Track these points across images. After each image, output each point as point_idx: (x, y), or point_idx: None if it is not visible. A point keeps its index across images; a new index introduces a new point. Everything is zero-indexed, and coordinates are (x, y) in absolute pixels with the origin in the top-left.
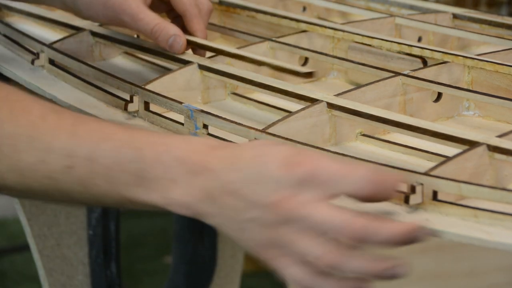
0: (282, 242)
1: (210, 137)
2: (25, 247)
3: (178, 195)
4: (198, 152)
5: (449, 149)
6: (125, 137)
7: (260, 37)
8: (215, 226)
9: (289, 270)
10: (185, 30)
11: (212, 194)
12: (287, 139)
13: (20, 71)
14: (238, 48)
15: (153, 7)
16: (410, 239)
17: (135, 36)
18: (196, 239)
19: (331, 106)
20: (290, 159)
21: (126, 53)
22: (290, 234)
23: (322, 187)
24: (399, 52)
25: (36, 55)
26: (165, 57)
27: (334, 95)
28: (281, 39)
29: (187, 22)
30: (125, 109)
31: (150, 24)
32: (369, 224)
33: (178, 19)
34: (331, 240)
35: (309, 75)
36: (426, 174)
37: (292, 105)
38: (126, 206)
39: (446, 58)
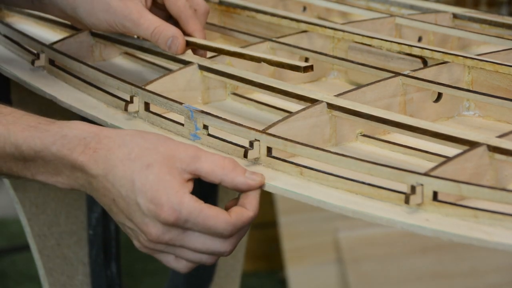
0: (162, 247)
1: (85, 125)
2: (25, 247)
3: (61, 182)
4: (74, 152)
5: (449, 150)
6: (1, 131)
7: (260, 37)
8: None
9: (173, 264)
10: (184, 33)
11: (93, 187)
12: (287, 139)
13: (20, 71)
14: (238, 48)
15: (152, 13)
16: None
17: (135, 37)
18: None
19: (331, 106)
20: (155, 197)
21: (126, 53)
22: (168, 245)
23: (184, 230)
24: (399, 52)
25: (36, 56)
26: (165, 57)
27: (334, 96)
28: (281, 39)
29: (183, 24)
30: (125, 109)
31: (150, 28)
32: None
33: (177, 25)
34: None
35: (308, 69)
36: (426, 174)
37: (292, 105)
38: (18, 179)
39: (446, 58)
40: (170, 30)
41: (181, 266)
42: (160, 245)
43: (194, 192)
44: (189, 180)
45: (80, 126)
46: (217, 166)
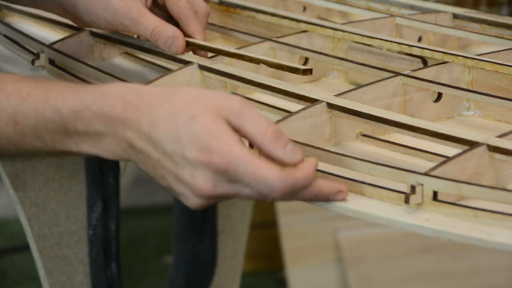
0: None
1: (124, 83)
2: (25, 247)
3: (104, 145)
4: (115, 109)
5: (449, 149)
6: (41, 97)
7: (260, 37)
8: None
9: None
10: (185, 34)
11: (135, 149)
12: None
13: (20, 71)
14: (238, 48)
15: (153, 13)
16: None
17: (135, 36)
18: (196, 239)
19: (331, 106)
20: (205, 146)
21: (126, 53)
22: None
23: (234, 181)
24: (399, 52)
25: (36, 55)
26: (165, 57)
27: (334, 95)
28: (281, 39)
29: (184, 25)
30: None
31: (150, 27)
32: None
33: (178, 26)
34: None
35: (307, 72)
36: (426, 174)
37: (292, 105)
38: (63, 155)
39: (446, 58)
40: (170, 30)
41: None
42: (214, 199)
43: None
44: (235, 130)
45: (119, 84)
46: (259, 132)
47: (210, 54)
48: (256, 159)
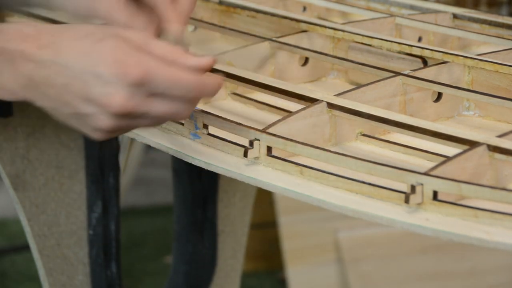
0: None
1: (23, 23)
2: (25, 247)
3: (2, 83)
4: (13, 41)
5: (449, 149)
6: None
7: (260, 37)
8: (43, 108)
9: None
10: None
11: (35, 82)
12: (287, 139)
13: None
14: (238, 48)
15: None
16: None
17: None
18: (196, 239)
19: (331, 106)
20: (119, 59)
21: None
22: (130, 124)
23: (153, 91)
24: (399, 52)
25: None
26: None
27: (334, 95)
28: (281, 39)
29: (159, 12)
30: None
31: (122, 19)
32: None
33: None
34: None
35: None
36: (426, 174)
37: (292, 105)
38: None
39: (446, 58)
40: (141, 22)
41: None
42: (124, 120)
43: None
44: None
45: (18, 21)
46: (167, 50)
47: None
48: (172, 67)
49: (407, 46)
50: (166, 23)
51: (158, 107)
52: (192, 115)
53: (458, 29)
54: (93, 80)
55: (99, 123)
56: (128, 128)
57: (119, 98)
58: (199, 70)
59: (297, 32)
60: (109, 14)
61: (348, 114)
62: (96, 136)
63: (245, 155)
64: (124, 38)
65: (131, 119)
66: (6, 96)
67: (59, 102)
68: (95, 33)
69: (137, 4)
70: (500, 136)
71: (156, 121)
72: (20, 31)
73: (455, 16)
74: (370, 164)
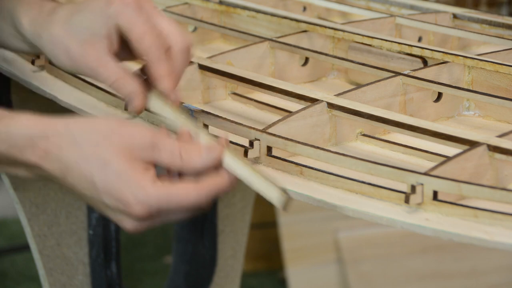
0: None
1: (30, 119)
2: (25, 247)
3: (22, 175)
4: (23, 152)
5: (449, 149)
6: None
7: (260, 37)
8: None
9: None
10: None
11: (53, 180)
12: (287, 139)
13: (20, 71)
14: (238, 48)
15: (123, 52)
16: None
17: None
18: (196, 239)
19: (331, 106)
20: (121, 195)
21: None
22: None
23: (160, 216)
24: (399, 52)
25: (36, 55)
26: None
27: (335, 95)
28: (281, 39)
29: (150, 68)
30: (125, 109)
31: (109, 79)
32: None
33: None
34: None
35: None
36: (426, 174)
37: (292, 105)
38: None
39: (446, 58)
40: (128, 86)
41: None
42: (146, 224)
43: None
44: (148, 166)
45: (25, 122)
46: (175, 157)
47: (210, 53)
48: (173, 189)
49: (407, 46)
50: (157, 79)
51: (176, 216)
52: (192, 115)
53: (458, 29)
54: (103, 206)
55: (123, 226)
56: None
57: (129, 225)
58: (211, 164)
59: (297, 32)
60: (97, 68)
61: (348, 114)
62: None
63: (245, 155)
64: (131, 149)
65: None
66: (29, 178)
67: (81, 195)
68: (100, 150)
69: (129, 57)
70: (500, 136)
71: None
72: (30, 142)
73: (455, 16)
74: (370, 164)
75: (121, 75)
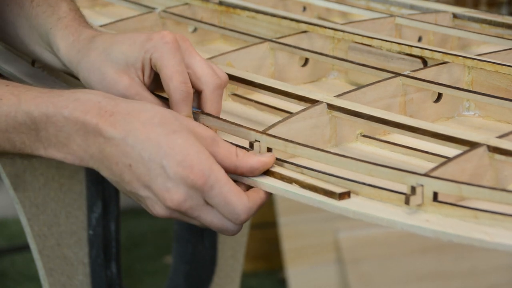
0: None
1: (100, 91)
2: (25, 247)
3: (73, 150)
4: (88, 114)
5: (450, 150)
6: (13, 102)
7: (260, 38)
8: (107, 178)
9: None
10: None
11: (104, 155)
12: (287, 140)
13: (20, 72)
14: (238, 49)
15: (154, 84)
16: None
17: None
18: (196, 239)
19: (331, 107)
20: (186, 161)
21: None
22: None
23: (206, 197)
24: (399, 53)
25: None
26: None
27: (335, 96)
28: (281, 40)
29: (172, 107)
30: None
31: None
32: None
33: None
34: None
35: (345, 195)
36: (426, 175)
37: (292, 106)
38: (30, 158)
39: (446, 58)
40: None
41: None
42: (176, 213)
43: None
44: None
45: (95, 91)
46: (232, 153)
47: (209, 54)
48: (232, 183)
49: (407, 47)
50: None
51: (209, 216)
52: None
53: (458, 29)
54: (158, 170)
55: (154, 209)
56: (180, 219)
57: (176, 196)
58: (261, 169)
59: (297, 33)
60: (129, 97)
61: (348, 115)
62: (154, 215)
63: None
64: (195, 134)
65: (183, 215)
66: (75, 162)
67: (120, 179)
68: (169, 123)
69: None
70: (500, 136)
71: (205, 225)
72: (98, 104)
73: (455, 16)
74: (370, 165)
75: (155, 104)
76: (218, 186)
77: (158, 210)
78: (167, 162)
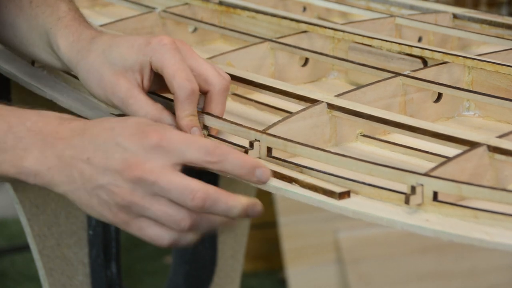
0: (133, 206)
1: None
2: (25, 247)
3: (29, 163)
4: (49, 124)
5: (449, 150)
6: None
7: (260, 38)
8: (64, 195)
9: (145, 231)
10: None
11: (63, 161)
12: (287, 139)
13: (20, 72)
14: (238, 48)
15: (157, 83)
16: (249, 213)
17: None
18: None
19: (331, 106)
20: (139, 129)
21: None
22: (140, 199)
23: (168, 155)
24: (399, 53)
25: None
26: None
27: (335, 96)
28: (281, 40)
29: (175, 105)
30: None
31: (139, 112)
32: (210, 195)
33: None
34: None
35: (345, 195)
36: (426, 175)
37: (292, 105)
38: None
39: (446, 58)
40: (166, 118)
41: (156, 233)
42: (137, 190)
43: None
44: None
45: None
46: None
47: (209, 54)
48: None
49: (407, 47)
50: (177, 118)
51: (159, 203)
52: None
53: (458, 29)
54: (113, 148)
55: (113, 193)
56: (138, 208)
57: (136, 160)
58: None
59: (297, 33)
60: (126, 99)
61: (348, 115)
62: (110, 216)
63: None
64: (147, 121)
65: (143, 189)
66: (28, 178)
67: (82, 182)
68: (122, 119)
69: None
70: (500, 136)
71: (156, 216)
72: (59, 116)
73: (455, 16)
74: (370, 165)
75: (152, 108)
76: (174, 139)
77: (119, 189)
78: (121, 138)
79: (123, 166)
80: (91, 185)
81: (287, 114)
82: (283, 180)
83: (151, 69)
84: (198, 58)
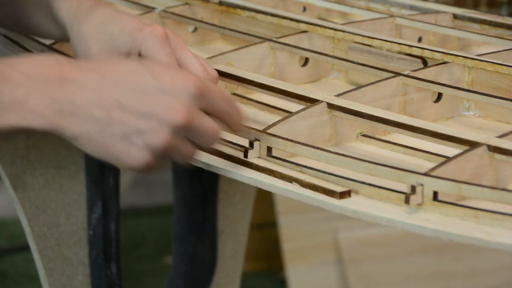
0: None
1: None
2: (25, 247)
3: (33, 106)
4: (46, 65)
5: (450, 150)
6: None
7: (260, 38)
8: (73, 138)
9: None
10: None
11: (80, 106)
12: (287, 139)
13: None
14: (238, 48)
15: None
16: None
17: None
18: (196, 239)
19: (331, 106)
20: (177, 74)
21: None
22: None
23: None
24: (399, 53)
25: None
26: None
27: (335, 96)
28: (281, 40)
29: None
30: None
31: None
32: None
33: None
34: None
35: (345, 194)
36: (426, 174)
37: (292, 105)
38: None
39: (446, 58)
40: None
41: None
42: (178, 137)
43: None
44: None
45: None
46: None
47: (209, 54)
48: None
49: (407, 47)
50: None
51: (207, 122)
52: None
53: (458, 29)
54: (152, 91)
55: (154, 140)
56: (175, 152)
57: (181, 108)
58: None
59: (297, 33)
60: (152, 48)
61: (348, 115)
62: (137, 162)
63: (245, 155)
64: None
65: (185, 134)
66: (35, 123)
67: (103, 124)
68: (136, 61)
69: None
70: (500, 136)
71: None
72: (55, 59)
73: (455, 16)
74: (370, 165)
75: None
76: (209, 84)
77: (162, 137)
78: (160, 80)
79: (168, 113)
80: (121, 129)
81: (287, 114)
82: (283, 180)
83: (138, 56)
84: (188, 52)
